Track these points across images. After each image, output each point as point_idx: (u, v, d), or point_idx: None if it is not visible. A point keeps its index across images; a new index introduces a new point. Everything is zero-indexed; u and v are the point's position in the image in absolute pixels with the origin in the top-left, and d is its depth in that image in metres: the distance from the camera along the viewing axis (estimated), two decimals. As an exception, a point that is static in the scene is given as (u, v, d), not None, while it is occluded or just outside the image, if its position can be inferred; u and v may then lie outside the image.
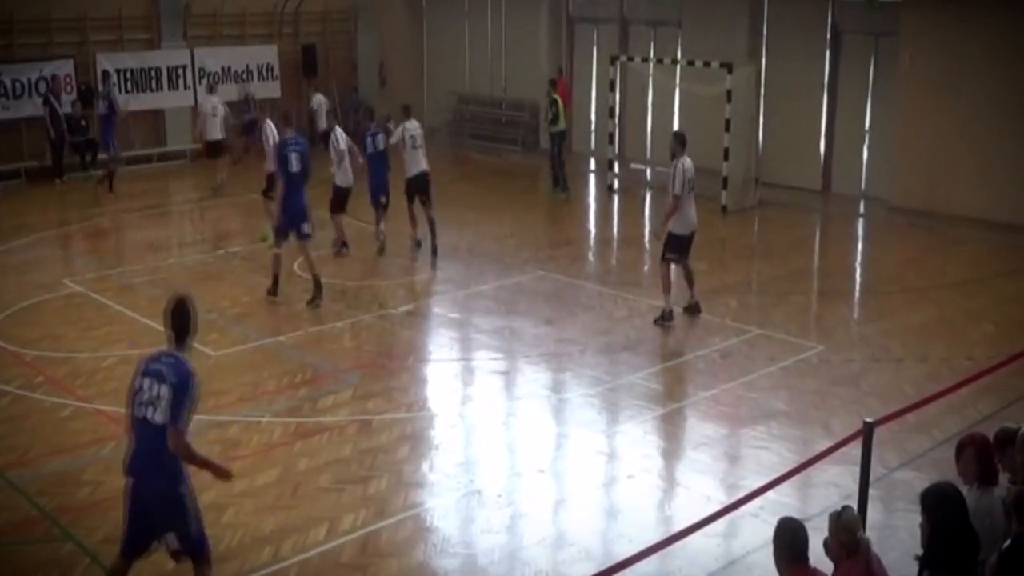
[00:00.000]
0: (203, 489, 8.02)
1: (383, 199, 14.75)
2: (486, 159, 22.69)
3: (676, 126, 20.85)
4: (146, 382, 5.93)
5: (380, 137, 14.72)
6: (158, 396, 5.86)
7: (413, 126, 14.72)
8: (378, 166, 14.72)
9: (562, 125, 18.97)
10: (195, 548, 6.14)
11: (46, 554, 7.28)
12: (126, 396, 6.09)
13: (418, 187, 14.71)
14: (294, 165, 12.36)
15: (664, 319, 11.83)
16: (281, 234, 12.53)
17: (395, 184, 14.83)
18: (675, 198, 11.60)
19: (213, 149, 18.90)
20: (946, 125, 16.85)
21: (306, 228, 12.41)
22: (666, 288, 11.87)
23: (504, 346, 11.51)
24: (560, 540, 7.51)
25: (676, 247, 11.86)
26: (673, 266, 11.93)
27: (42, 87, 20.19)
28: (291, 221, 12.37)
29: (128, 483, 6.05)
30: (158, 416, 5.87)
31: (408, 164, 14.67)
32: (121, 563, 6.20)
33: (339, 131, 14.65)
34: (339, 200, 14.74)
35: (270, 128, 14.54)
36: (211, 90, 19.75)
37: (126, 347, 11.22)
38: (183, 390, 5.86)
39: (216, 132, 18.78)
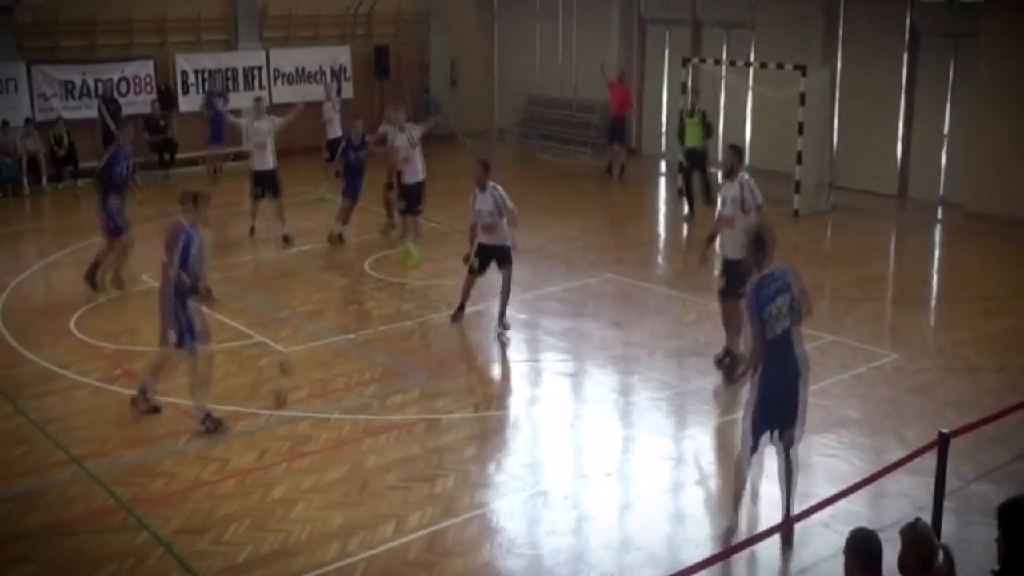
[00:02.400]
0: (272, 484, 8.23)
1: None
2: (555, 160, 22.69)
3: (748, 130, 20.73)
4: (771, 308, 7.07)
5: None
6: (785, 306, 7.12)
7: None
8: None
9: (694, 142, 17.15)
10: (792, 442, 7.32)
11: (122, 543, 7.45)
12: (754, 325, 7.06)
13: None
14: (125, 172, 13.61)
15: (733, 362, 10.12)
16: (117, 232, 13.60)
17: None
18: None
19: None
20: (1028, 129, 16.44)
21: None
22: (739, 327, 9.59)
23: (572, 348, 11.50)
24: (626, 544, 7.49)
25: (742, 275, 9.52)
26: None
27: (123, 87, 20.69)
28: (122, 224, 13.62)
29: (760, 383, 7.11)
30: (788, 323, 7.15)
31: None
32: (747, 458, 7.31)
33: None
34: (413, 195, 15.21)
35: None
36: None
37: (200, 342, 11.43)
38: (797, 285, 7.26)
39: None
